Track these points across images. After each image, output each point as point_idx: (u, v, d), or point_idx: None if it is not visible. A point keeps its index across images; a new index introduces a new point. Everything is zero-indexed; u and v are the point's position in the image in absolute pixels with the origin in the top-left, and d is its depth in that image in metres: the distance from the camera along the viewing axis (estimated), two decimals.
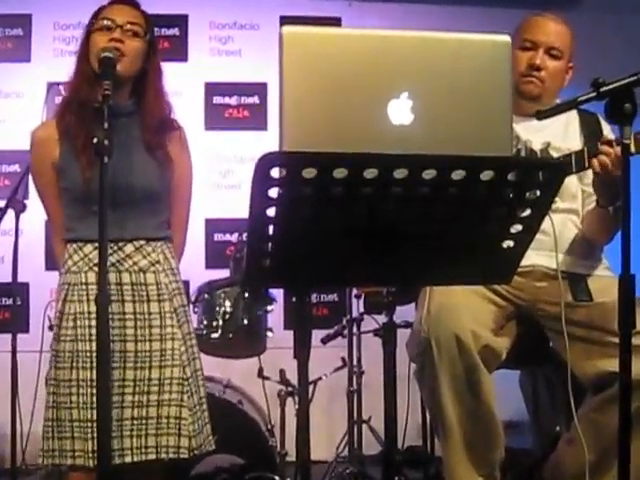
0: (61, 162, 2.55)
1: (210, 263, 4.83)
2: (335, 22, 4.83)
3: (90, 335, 2.48)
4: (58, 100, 2.71)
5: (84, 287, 2.53)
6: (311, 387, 3.76)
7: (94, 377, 2.42)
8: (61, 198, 2.59)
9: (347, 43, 1.63)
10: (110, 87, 2.25)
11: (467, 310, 2.49)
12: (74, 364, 2.48)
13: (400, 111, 1.61)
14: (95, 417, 2.39)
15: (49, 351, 2.58)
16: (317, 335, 4.02)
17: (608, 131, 2.73)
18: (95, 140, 2.18)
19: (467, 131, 1.65)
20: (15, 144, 4.34)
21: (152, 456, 2.47)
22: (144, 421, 2.48)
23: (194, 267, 4.59)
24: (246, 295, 3.64)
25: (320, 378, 3.97)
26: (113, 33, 2.51)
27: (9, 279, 3.61)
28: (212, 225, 4.88)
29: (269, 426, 3.67)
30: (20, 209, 3.63)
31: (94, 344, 2.44)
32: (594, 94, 2.03)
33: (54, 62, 4.63)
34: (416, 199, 1.58)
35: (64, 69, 2.63)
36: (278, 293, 3.80)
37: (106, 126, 2.19)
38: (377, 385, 3.06)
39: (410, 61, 1.64)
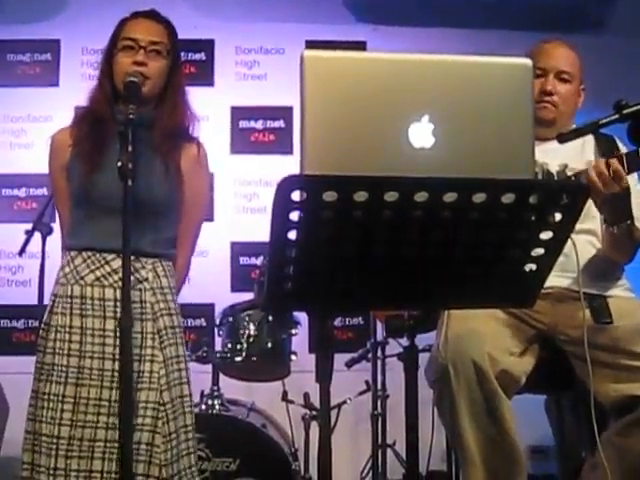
0: (69, 165, 2.59)
1: (235, 286, 4.83)
2: (360, 46, 4.85)
3: (69, 350, 2.45)
4: None
5: (68, 300, 2.51)
6: (335, 411, 3.75)
7: (66, 393, 2.42)
8: (69, 204, 2.61)
9: (368, 67, 1.63)
10: (135, 111, 2.28)
11: (485, 335, 2.48)
12: (49, 377, 2.45)
13: (421, 134, 1.60)
14: (60, 434, 2.39)
15: None
16: (342, 359, 4.01)
17: None
18: (119, 164, 2.21)
19: (488, 154, 1.65)
20: (43, 168, 4.37)
21: None
22: (116, 444, 2.38)
23: (219, 290, 4.63)
24: (270, 318, 3.65)
25: (344, 402, 3.96)
26: (136, 55, 2.53)
27: (35, 301, 3.63)
28: (237, 248, 4.89)
29: (293, 450, 3.66)
30: (47, 232, 3.66)
31: (71, 359, 2.45)
32: (616, 116, 2.02)
33: (82, 86, 4.66)
34: (437, 222, 1.58)
35: None
36: (303, 316, 3.80)
37: (130, 149, 2.21)
38: (401, 409, 3.03)
39: (431, 84, 1.63)
